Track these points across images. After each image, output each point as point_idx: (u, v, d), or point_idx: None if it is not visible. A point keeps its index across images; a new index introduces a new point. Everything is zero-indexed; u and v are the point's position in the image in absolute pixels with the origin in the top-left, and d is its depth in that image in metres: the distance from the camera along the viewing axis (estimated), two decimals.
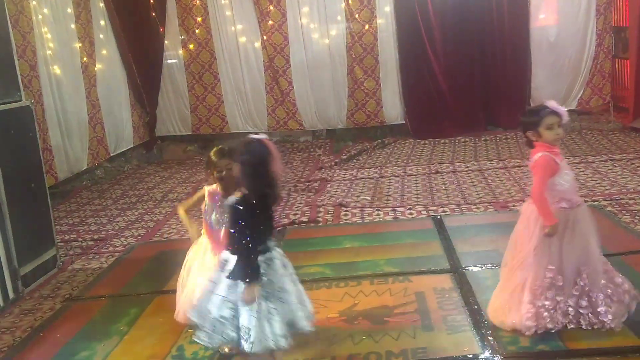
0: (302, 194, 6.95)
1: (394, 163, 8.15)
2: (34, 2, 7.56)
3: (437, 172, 7.36)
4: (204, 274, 3.30)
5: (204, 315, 2.92)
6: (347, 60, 9.66)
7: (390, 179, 7.25)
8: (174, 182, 8.25)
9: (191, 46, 9.96)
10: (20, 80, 4.85)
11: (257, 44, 9.81)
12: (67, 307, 4.33)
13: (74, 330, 3.91)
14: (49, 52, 7.80)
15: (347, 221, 5.81)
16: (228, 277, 2.88)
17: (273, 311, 2.89)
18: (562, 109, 3.17)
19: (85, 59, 8.53)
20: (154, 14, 9.71)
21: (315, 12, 9.64)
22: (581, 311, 3.21)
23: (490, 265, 4.23)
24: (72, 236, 6.05)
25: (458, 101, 9.52)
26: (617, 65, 9.30)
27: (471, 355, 3.18)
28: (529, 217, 3.25)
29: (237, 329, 2.87)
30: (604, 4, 9.20)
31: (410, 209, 5.96)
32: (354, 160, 8.58)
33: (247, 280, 2.83)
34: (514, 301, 3.27)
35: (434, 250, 4.71)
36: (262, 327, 2.85)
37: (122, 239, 5.86)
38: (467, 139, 9.13)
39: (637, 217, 5.08)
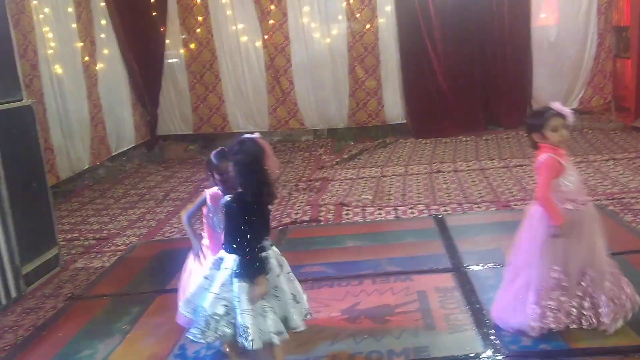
0: (303, 193, 6.95)
1: (395, 162, 8.14)
2: (35, 2, 7.55)
3: (439, 172, 7.36)
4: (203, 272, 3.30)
5: (195, 310, 2.94)
6: (348, 59, 9.64)
7: (391, 178, 7.25)
8: (176, 181, 8.25)
9: (192, 45, 9.94)
10: (21, 80, 4.85)
11: (258, 44, 9.80)
12: (69, 305, 4.34)
13: (76, 329, 3.92)
14: (50, 51, 7.80)
15: (349, 220, 5.81)
16: (236, 278, 2.89)
17: (268, 309, 2.92)
18: (567, 111, 3.14)
19: (86, 58, 8.53)
20: (155, 14, 9.70)
21: (316, 11, 9.63)
22: (584, 312, 3.20)
23: (491, 264, 4.22)
24: (74, 235, 6.06)
25: (459, 100, 9.51)
26: (618, 65, 9.29)
27: (473, 354, 3.18)
28: (534, 217, 3.24)
29: (232, 324, 2.89)
30: (605, 4, 9.18)
31: (411, 208, 5.96)
32: (355, 160, 8.57)
33: (255, 277, 2.84)
34: (519, 302, 3.26)
35: (435, 249, 4.71)
36: (259, 324, 2.87)
37: (124, 238, 5.86)
38: (468, 139, 9.12)
39: (639, 216, 5.09)
